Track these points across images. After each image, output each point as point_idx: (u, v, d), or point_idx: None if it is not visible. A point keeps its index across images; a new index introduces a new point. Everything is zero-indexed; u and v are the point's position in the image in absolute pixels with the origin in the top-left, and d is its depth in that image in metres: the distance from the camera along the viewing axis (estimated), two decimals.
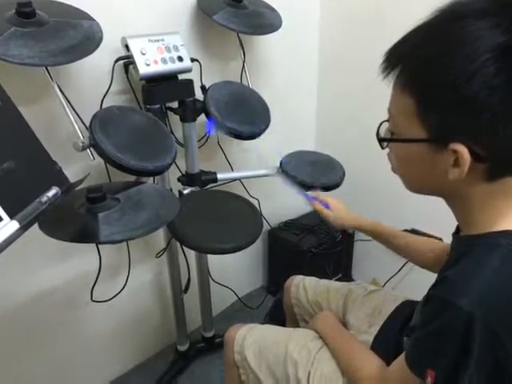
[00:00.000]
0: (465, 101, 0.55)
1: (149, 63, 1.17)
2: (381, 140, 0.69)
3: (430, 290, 0.66)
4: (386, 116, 0.69)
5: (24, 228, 0.65)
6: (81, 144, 1.02)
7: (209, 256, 1.58)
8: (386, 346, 0.93)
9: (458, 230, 0.76)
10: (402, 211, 1.69)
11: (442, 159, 0.60)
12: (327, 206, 1.14)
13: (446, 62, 0.55)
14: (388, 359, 0.80)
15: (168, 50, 1.22)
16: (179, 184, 1.40)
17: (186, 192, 1.34)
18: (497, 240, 0.62)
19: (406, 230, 1.66)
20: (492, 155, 0.58)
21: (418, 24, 0.60)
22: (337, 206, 1.14)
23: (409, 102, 0.60)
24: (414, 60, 0.59)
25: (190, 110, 1.29)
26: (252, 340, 1.04)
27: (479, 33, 0.53)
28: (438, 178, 0.63)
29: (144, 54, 1.16)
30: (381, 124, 0.70)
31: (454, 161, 0.59)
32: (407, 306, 1.04)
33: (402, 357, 0.70)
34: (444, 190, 0.67)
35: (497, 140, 0.56)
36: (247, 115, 1.35)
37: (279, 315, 1.57)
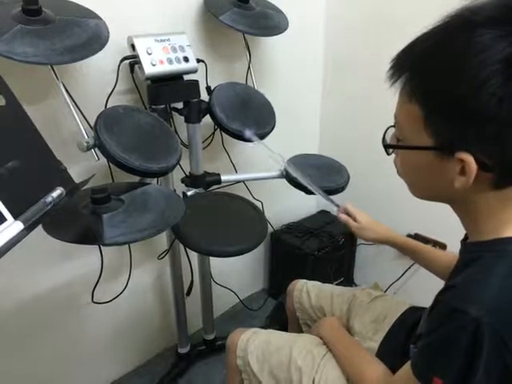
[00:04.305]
0: (472, 111, 0.54)
1: (154, 63, 1.16)
2: (386, 146, 0.69)
3: (437, 296, 0.65)
4: (390, 120, 0.68)
5: (28, 229, 0.63)
6: (85, 144, 1.00)
7: (211, 258, 1.57)
8: (391, 353, 0.92)
9: (466, 237, 0.75)
10: (404, 216, 1.68)
11: (449, 167, 0.59)
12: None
13: (454, 73, 0.55)
14: (394, 367, 0.79)
15: (174, 50, 1.21)
16: (183, 185, 1.39)
17: (189, 193, 1.33)
18: (505, 247, 0.62)
19: (408, 235, 1.65)
20: (499, 165, 0.57)
21: (427, 30, 0.59)
22: (365, 219, 1.11)
23: (416, 110, 0.60)
24: (422, 69, 0.59)
25: (194, 111, 1.28)
26: (255, 345, 1.03)
27: (488, 43, 0.52)
28: (444, 186, 0.62)
29: (150, 54, 1.15)
30: (387, 130, 0.69)
31: (460, 169, 0.58)
32: (413, 313, 1.02)
33: (407, 364, 0.69)
34: (450, 197, 0.66)
35: (504, 150, 0.56)
36: (252, 117, 1.34)
37: (280, 318, 1.56)
